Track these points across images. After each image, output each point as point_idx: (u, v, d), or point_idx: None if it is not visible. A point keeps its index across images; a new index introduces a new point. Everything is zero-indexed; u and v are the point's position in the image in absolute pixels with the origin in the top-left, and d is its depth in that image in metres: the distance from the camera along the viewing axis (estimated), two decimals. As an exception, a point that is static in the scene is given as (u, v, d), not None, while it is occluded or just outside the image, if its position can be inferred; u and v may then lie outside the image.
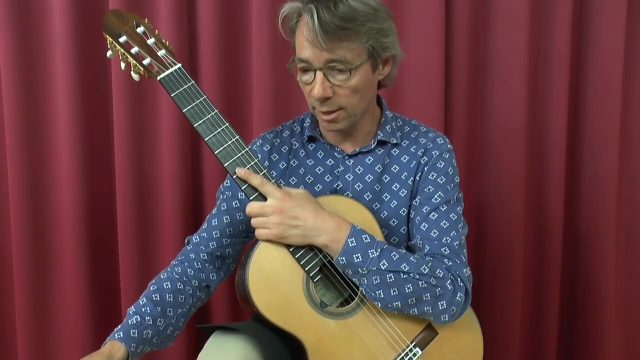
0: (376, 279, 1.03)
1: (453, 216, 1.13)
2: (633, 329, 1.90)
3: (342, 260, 1.03)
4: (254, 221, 1.03)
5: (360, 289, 1.06)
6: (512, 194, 1.73)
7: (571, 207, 1.83)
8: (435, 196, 1.14)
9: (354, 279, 1.05)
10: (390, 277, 1.03)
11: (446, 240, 1.11)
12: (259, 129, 1.61)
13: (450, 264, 1.09)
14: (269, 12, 1.60)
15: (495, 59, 1.73)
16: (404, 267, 1.03)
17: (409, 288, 1.03)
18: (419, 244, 1.13)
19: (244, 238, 1.22)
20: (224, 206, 1.21)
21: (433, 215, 1.12)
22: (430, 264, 1.06)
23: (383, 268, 1.02)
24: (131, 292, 1.65)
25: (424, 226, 1.12)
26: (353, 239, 1.03)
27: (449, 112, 1.72)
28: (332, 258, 1.04)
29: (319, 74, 1.05)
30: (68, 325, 1.67)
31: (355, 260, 1.02)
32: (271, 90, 1.63)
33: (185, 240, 1.24)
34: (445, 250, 1.10)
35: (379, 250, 1.03)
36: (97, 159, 1.65)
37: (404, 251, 1.07)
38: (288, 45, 1.65)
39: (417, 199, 1.15)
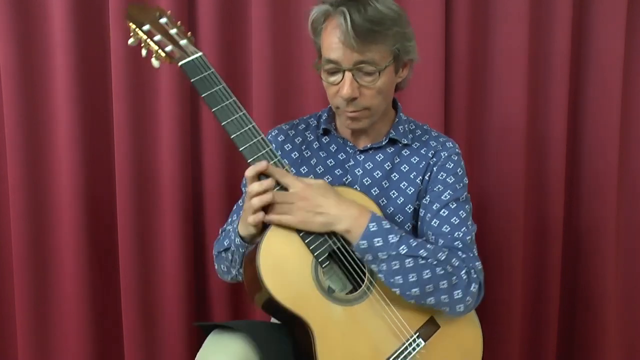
0: (395, 264, 1.04)
1: (462, 214, 1.16)
2: (633, 328, 1.90)
3: (364, 244, 1.04)
4: (278, 207, 1.04)
5: (378, 276, 1.07)
6: (512, 194, 1.73)
7: (571, 207, 1.83)
8: (445, 194, 1.17)
9: (372, 266, 1.06)
10: (409, 262, 1.04)
11: (458, 235, 1.14)
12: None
13: (464, 256, 1.11)
14: (268, 12, 1.60)
15: (495, 59, 1.73)
16: (422, 252, 1.06)
17: (427, 274, 1.05)
18: (432, 239, 1.15)
19: None
20: None
21: (443, 212, 1.15)
22: (446, 252, 1.09)
23: (402, 253, 1.04)
24: (131, 292, 1.65)
25: (435, 222, 1.15)
26: (374, 223, 1.05)
27: (449, 112, 1.72)
28: (351, 244, 1.06)
29: (348, 75, 1.08)
30: (68, 325, 1.67)
31: (376, 244, 1.04)
32: (271, 90, 1.63)
33: (220, 232, 1.27)
34: (458, 244, 1.13)
35: (398, 236, 1.05)
36: (97, 158, 1.65)
37: (421, 239, 1.10)
38: (288, 45, 1.65)
39: (426, 198, 1.18)
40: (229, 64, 1.65)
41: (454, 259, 1.08)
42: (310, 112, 1.57)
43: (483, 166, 1.77)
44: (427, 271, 1.05)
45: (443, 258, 1.07)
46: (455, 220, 1.15)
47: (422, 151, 1.22)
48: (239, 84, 1.67)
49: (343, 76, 1.09)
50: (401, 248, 1.04)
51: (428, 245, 1.08)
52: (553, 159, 1.76)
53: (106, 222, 1.68)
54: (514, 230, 1.73)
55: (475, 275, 1.10)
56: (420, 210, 1.18)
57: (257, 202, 1.02)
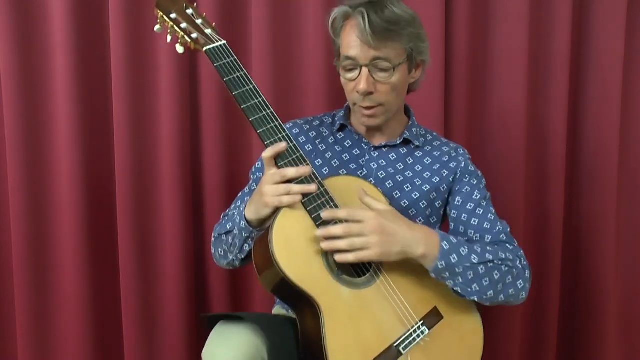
0: (470, 274, 1.09)
1: (493, 210, 1.25)
2: (633, 328, 1.90)
3: (441, 264, 1.07)
4: (348, 243, 1.02)
5: (454, 289, 1.10)
6: (512, 194, 1.73)
7: (571, 206, 1.83)
8: (475, 193, 1.25)
9: (448, 282, 1.10)
10: (481, 269, 1.10)
11: (499, 229, 1.22)
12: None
13: (511, 248, 1.19)
14: (268, 12, 1.60)
15: (495, 59, 1.73)
16: (489, 256, 1.11)
17: (496, 275, 1.12)
18: (475, 237, 1.21)
19: None
20: (254, 186, 1.28)
21: (479, 211, 1.23)
22: (500, 248, 1.16)
23: (475, 262, 1.09)
24: (131, 292, 1.65)
25: (475, 221, 1.22)
26: (445, 242, 1.08)
27: (449, 112, 1.72)
28: (429, 267, 1.07)
29: (365, 70, 1.15)
30: (68, 325, 1.67)
31: (453, 261, 1.07)
32: (271, 90, 1.63)
33: (222, 216, 1.30)
34: (503, 237, 1.21)
35: (466, 247, 1.10)
36: (97, 158, 1.65)
37: (478, 242, 1.17)
38: (288, 45, 1.66)
39: (457, 200, 1.24)
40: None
41: (507, 253, 1.15)
42: (310, 112, 1.57)
43: (483, 166, 1.75)
44: (496, 272, 1.12)
45: (503, 256, 1.13)
46: (491, 217, 1.23)
47: (435, 154, 1.29)
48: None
49: (360, 72, 1.15)
50: (472, 257, 1.09)
51: (488, 247, 1.14)
52: (553, 158, 1.76)
53: (106, 222, 1.68)
54: (514, 230, 1.71)
55: (525, 263, 1.19)
56: (452, 212, 1.25)
57: (298, 189, 1.03)
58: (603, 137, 1.77)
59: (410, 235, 1.06)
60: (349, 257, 1.03)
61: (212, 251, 1.28)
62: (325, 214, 1.03)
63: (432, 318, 1.12)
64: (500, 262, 1.12)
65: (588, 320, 1.84)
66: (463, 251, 1.09)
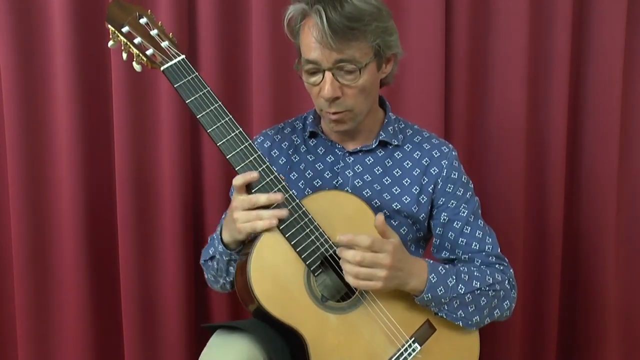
0: (456, 303, 1.09)
1: (481, 223, 1.20)
2: (633, 329, 1.90)
3: (427, 296, 1.05)
4: (354, 270, 0.99)
5: (439, 315, 1.10)
6: (512, 194, 1.73)
7: (571, 207, 1.83)
8: (461, 209, 1.19)
9: (434, 309, 1.09)
10: (468, 297, 1.09)
11: (489, 248, 1.18)
12: (259, 127, 1.61)
13: (501, 268, 1.18)
14: (269, 10, 1.60)
15: (496, 59, 1.73)
16: (476, 284, 1.10)
17: (483, 301, 1.11)
18: (464, 257, 1.18)
19: None
20: None
21: (466, 229, 1.18)
22: (488, 271, 1.14)
23: (462, 292, 1.08)
24: (131, 292, 1.65)
25: (462, 241, 1.18)
26: (433, 274, 1.06)
27: (449, 112, 1.72)
28: (416, 297, 1.06)
29: (328, 75, 1.05)
30: (68, 325, 1.67)
31: (439, 293, 1.06)
32: (271, 89, 1.63)
33: (209, 239, 1.24)
34: (492, 259, 1.18)
35: (454, 276, 1.08)
36: (97, 158, 1.65)
37: (466, 267, 1.13)
38: (288, 43, 1.65)
39: (444, 216, 1.18)
40: (229, 62, 1.65)
41: (496, 275, 1.14)
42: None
43: (483, 166, 1.77)
44: (483, 298, 1.11)
45: (491, 280, 1.12)
46: (479, 234, 1.18)
47: (415, 155, 1.20)
48: (239, 84, 1.67)
49: (323, 76, 1.06)
50: (459, 287, 1.08)
51: (476, 273, 1.12)
52: (553, 159, 1.75)
53: (106, 222, 1.68)
54: (514, 231, 1.73)
55: (514, 282, 1.18)
56: (437, 229, 1.20)
57: (269, 215, 0.99)
58: (603, 137, 1.77)
59: (408, 272, 1.03)
60: (350, 281, 1.00)
61: (205, 276, 1.25)
62: (342, 238, 0.98)
63: (424, 332, 1.10)
64: (487, 288, 1.11)
65: (588, 321, 1.84)
66: (450, 282, 1.07)
